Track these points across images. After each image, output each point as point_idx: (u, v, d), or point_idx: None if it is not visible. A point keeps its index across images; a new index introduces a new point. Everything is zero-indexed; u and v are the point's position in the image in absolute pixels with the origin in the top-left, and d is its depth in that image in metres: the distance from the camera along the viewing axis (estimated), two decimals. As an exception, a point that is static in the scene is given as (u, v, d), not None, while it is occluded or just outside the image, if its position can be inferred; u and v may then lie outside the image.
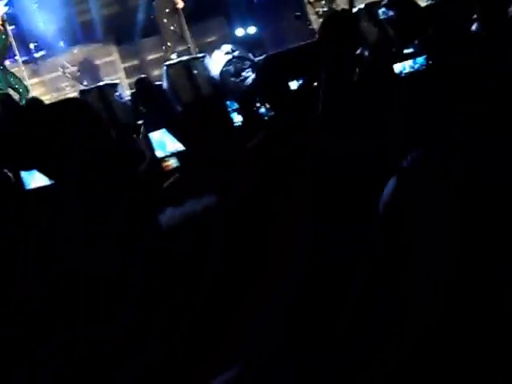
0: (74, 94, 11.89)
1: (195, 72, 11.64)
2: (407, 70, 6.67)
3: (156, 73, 12.96)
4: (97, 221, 2.44)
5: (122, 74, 13.26)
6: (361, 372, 2.20)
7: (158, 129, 7.54)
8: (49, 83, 12.90)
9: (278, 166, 3.17)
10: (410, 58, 7.13)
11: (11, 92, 11.40)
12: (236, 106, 8.58)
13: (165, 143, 7.28)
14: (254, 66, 11.89)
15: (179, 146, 6.73)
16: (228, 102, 8.54)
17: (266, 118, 7.27)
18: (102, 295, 2.36)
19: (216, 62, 11.93)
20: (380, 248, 2.39)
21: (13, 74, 11.76)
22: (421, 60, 6.57)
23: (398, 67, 6.80)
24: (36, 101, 9.56)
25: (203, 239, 2.59)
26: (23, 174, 7.24)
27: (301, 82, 7.75)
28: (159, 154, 7.13)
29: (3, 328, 2.39)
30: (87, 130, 2.53)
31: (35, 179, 7.11)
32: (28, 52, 12.70)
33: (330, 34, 3.97)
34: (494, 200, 2.25)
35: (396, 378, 2.19)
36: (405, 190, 2.33)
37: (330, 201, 2.98)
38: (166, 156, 7.01)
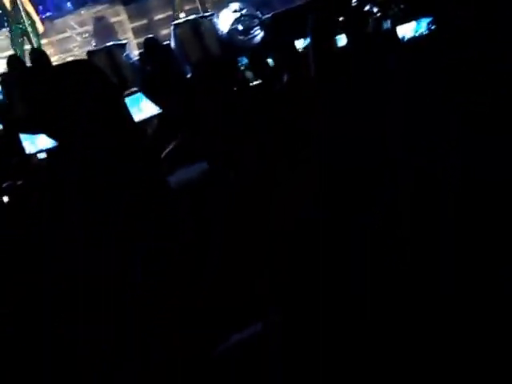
0: (83, 55, 11.83)
1: (203, 31, 11.54)
2: (410, 34, 6.59)
3: (164, 32, 12.87)
4: (97, 220, 2.44)
5: (130, 34, 13.19)
6: None
7: (165, 89, 7.47)
8: (57, 44, 12.86)
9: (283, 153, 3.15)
10: (415, 19, 7.04)
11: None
12: (245, 61, 8.55)
13: (141, 106, 7.24)
14: (262, 24, 11.80)
15: (157, 109, 6.67)
16: (238, 58, 8.54)
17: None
18: (101, 295, 2.37)
19: (224, 20, 11.83)
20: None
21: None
22: (424, 24, 6.47)
23: (401, 32, 6.73)
24: (40, 55, 9.45)
25: (199, 206, 2.59)
26: (25, 137, 7.24)
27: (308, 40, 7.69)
28: (137, 117, 7.05)
29: (3, 328, 2.40)
30: (94, 92, 2.51)
31: (37, 143, 7.12)
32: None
33: None
34: (493, 200, 2.25)
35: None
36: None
37: (335, 190, 2.97)
38: (145, 119, 6.94)
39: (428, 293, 2.23)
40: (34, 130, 6.80)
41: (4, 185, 5.18)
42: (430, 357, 2.17)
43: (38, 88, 2.51)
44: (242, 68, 8.54)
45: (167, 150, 5.02)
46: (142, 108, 7.39)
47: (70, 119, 2.38)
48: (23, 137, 7.33)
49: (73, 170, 2.47)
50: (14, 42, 11.52)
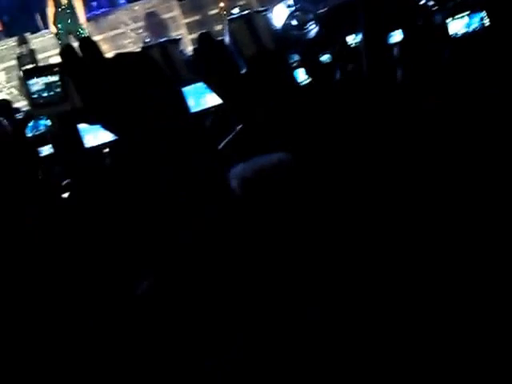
0: (137, 51, 11.91)
1: (257, 26, 11.53)
2: (463, 30, 6.41)
3: (218, 28, 12.89)
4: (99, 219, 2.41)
5: (183, 30, 13.25)
6: None
7: (219, 85, 7.45)
8: (111, 40, 12.97)
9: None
10: (469, 14, 6.90)
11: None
12: (297, 57, 8.51)
13: (196, 98, 7.21)
14: (317, 19, 11.75)
15: (216, 101, 6.63)
16: (290, 55, 8.48)
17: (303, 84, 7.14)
18: (102, 295, 2.34)
19: (278, 15, 11.82)
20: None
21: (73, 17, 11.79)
22: (476, 20, 6.30)
23: (454, 27, 6.55)
24: (89, 43, 9.48)
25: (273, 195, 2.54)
26: (86, 130, 7.22)
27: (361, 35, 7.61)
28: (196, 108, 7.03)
29: (3, 328, 2.39)
30: (150, 84, 2.47)
31: (99, 136, 7.10)
32: (89, 9, 12.74)
33: None
34: (493, 199, 2.19)
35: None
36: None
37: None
38: (205, 110, 6.93)
39: (428, 293, 2.18)
40: (91, 122, 6.81)
41: (64, 182, 5.17)
42: (429, 356, 2.11)
43: (94, 78, 2.48)
44: (294, 65, 8.48)
45: (224, 142, 5.01)
46: (198, 100, 7.37)
47: (126, 110, 2.34)
48: (84, 130, 7.30)
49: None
50: (62, 41, 11.64)
